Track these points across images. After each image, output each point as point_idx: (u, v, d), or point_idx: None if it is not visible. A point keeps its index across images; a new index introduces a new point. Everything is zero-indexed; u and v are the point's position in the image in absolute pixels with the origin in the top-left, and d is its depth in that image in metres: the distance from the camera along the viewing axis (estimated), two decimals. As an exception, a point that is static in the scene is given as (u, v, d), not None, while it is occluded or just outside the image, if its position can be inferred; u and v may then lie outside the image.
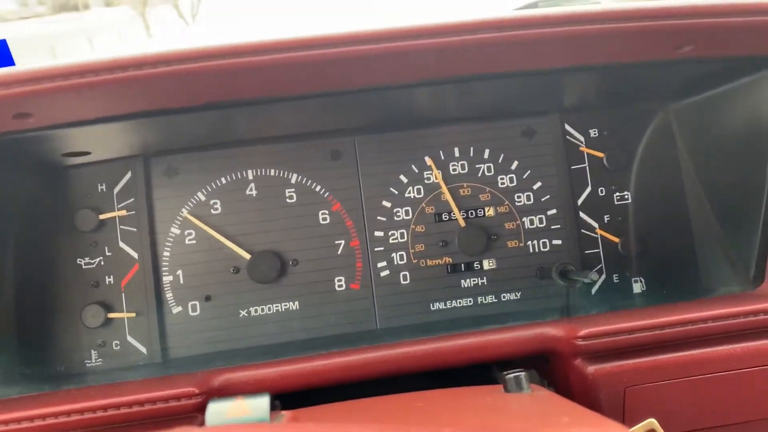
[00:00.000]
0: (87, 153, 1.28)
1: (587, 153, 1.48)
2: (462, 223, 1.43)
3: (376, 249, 1.44)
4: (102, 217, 1.37)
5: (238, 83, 1.04)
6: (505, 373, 0.94)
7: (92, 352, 1.36)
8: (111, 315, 1.36)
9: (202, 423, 1.11)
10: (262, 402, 0.69)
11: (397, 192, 1.46)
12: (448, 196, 1.44)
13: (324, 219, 1.44)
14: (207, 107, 1.11)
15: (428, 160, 1.46)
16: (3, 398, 1.15)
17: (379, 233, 1.45)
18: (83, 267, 1.38)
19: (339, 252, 1.44)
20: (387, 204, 1.45)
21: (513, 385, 0.94)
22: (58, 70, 0.88)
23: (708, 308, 1.16)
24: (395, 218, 1.45)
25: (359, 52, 1.02)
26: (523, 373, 0.94)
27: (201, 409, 1.10)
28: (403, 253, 1.45)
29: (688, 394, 1.15)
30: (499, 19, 1.03)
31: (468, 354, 1.19)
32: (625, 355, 1.17)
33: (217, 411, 0.69)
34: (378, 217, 1.45)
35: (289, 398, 1.03)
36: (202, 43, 0.95)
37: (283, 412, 0.77)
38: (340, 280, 1.43)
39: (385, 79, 1.15)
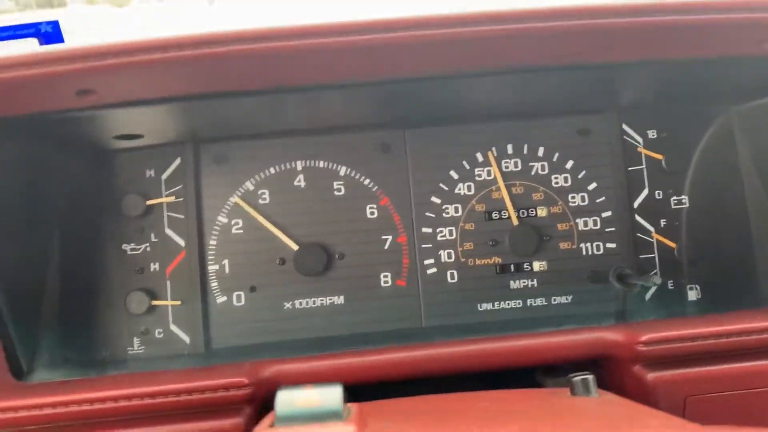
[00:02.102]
0: (140, 136, 1.26)
1: (645, 154, 1.44)
2: (515, 222, 1.40)
3: (423, 246, 1.41)
4: (149, 202, 1.36)
5: (296, 67, 1.01)
6: (572, 375, 0.91)
7: (135, 339, 1.34)
8: (155, 302, 1.35)
9: (249, 415, 1.09)
10: (335, 393, 0.66)
11: (446, 188, 1.42)
12: (504, 193, 1.40)
13: (372, 213, 1.41)
14: (262, 92, 1.08)
15: (489, 155, 1.42)
16: (48, 381, 1.13)
17: (427, 230, 1.41)
18: (128, 253, 1.36)
19: (386, 247, 1.41)
20: (436, 200, 1.42)
21: (580, 388, 0.90)
22: (125, 47, 0.86)
23: (771, 318, 1.12)
24: (444, 215, 1.42)
25: (419, 37, 0.98)
26: (591, 376, 0.90)
27: (249, 400, 1.08)
28: (451, 251, 1.41)
29: (753, 406, 1.11)
30: (570, 7, 0.99)
31: (521, 356, 1.16)
32: (686, 363, 1.13)
33: (286, 400, 0.66)
34: (426, 213, 1.42)
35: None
36: (266, 24, 0.92)
37: (350, 405, 0.74)
38: (386, 276, 1.40)
39: (442, 68, 1.12)
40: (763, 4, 0.91)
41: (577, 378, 0.90)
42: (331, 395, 0.66)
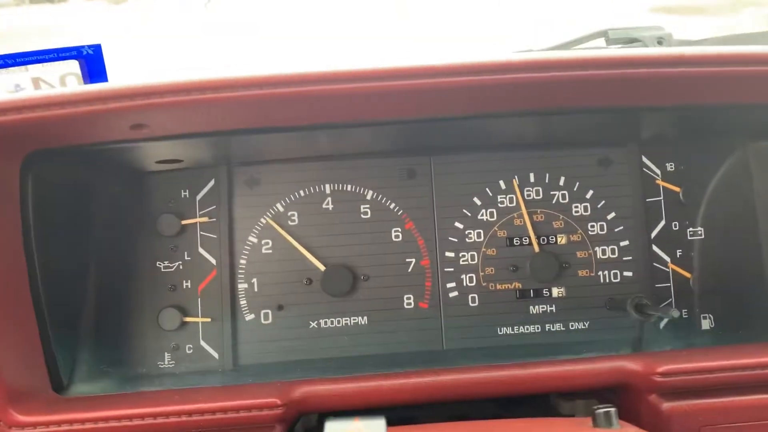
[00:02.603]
0: (180, 161, 1.31)
1: (663, 186, 1.48)
2: (536, 249, 1.44)
3: (446, 269, 1.45)
4: (184, 222, 1.40)
5: (331, 108, 1.06)
6: (595, 408, 0.95)
7: (165, 354, 1.39)
8: (187, 319, 1.39)
9: (280, 434, 1.14)
10: (380, 426, 0.71)
11: (470, 214, 1.47)
12: (526, 219, 1.45)
13: (396, 237, 1.46)
14: (299, 128, 1.14)
15: (513, 183, 1.46)
16: (87, 395, 1.18)
17: (450, 254, 1.46)
18: (162, 270, 1.41)
19: (409, 270, 1.45)
20: (459, 225, 1.46)
21: (602, 420, 0.94)
22: (180, 86, 0.91)
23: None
24: (467, 240, 1.46)
25: (443, 84, 1.02)
26: (613, 409, 0.94)
27: (281, 420, 1.12)
28: (473, 275, 1.46)
29: (765, 438, 1.15)
30: (592, 57, 1.04)
31: (541, 383, 1.20)
32: (701, 394, 1.17)
33: (334, 431, 0.71)
34: (450, 238, 1.46)
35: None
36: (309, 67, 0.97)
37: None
38: (409, 298, 1.45)
39: (464, 110, 1.17)
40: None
41: (600, 411, 0.94)
42: (377, 428, 0.71)
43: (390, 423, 0.78)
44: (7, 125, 0.95)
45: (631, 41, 1.63)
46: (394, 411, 1.12)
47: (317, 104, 0.98)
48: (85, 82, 1.40)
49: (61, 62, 1.42)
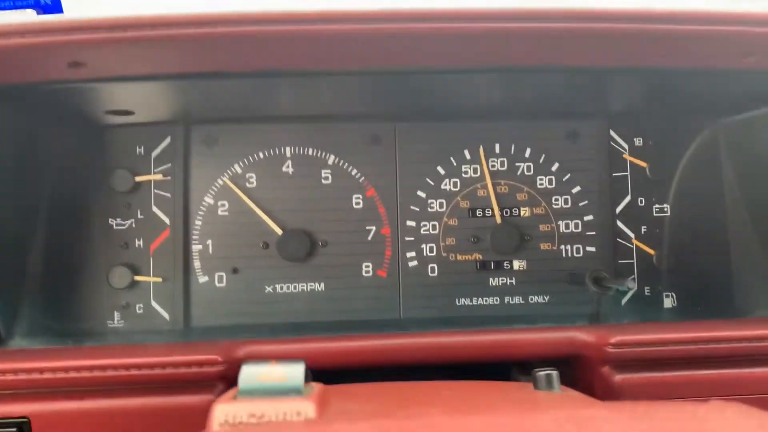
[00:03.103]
0: (130, 113, 1.27)
1: (630, 161, 1.46)
2: (498, 220, 1.42)
3: (406, 238, 1.43)
4: (138, 179, 1.37)
5: (289, 52, 1.03)
6: (536, 370, 0.92)
7: (115, 313, 1.36)
8: (137, 278, 1.36)
9: (221, 391, 1.11)
10: (297, 369, 0.68)
11: (433, 183, 1.44)
12: (490, 190, 1.42)
13: (357, 203, 1.43)
14: (253, 74, 1.10)
15: (480, 152, 1.44)
16: (27, 348, 1.15)
17: (411, 223, 1.43)
18: (114, 227, 1.38)
19: (369, 238, 1.42)
20: (422, 194, 1.44)
21: (543, 383, 0.92)
22: (118, 22, 0.87)
23: (743, 328, 1.14)
24: (429, 209, 1.44)
25: (409, 30, 0.98)
26: (555, 372, 0.92)
27: (223, 377, 1.09)
28: (434, 245, 1.43)
29: (715, 412, 1.13)
30: (558, 9, 1.00)
31: (495, 350, 1.18)
32: (654, 367, 1.15)
33: (250, 374, 0.68)
34: (411, 207, 1.44)
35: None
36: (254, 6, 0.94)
37: (314, 384, 0.76)
38: (367, 266, 1.42)
39: (431, 61, 1.13)
40: (746, 17, 0.93)
41: (541, 373, 0.92)
42: (294, 372, 0.68)
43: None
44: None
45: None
46: (346, 380, 1.10)
47: (265, 48, 0.95)
48: (42, 33, 1.36)
49: (17, 11, 1.38)
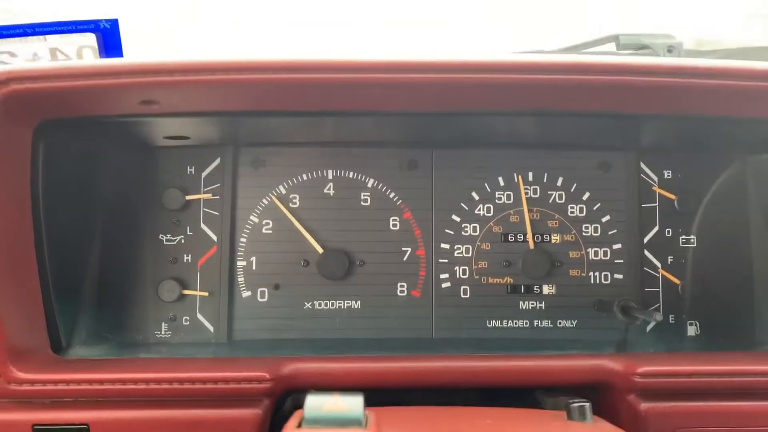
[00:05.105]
0: (187, 138, 1.34)
1: (659, 193, 1.51)
2: (531, 245, 1.47)
3: (440, 260, 1.49)
4: (188, 197, 1.44)
5: (339, 96, 1.10)
6: (570, 401, 0.98)
7: (162, 324, 1.43)
8: (185, 291, 1.43)
9: (267, 407, 1.17)
10: (357, 402, 0.74)
11: (467, 208, 1.50)
12: (526, 216, 1.48)
13: (394, 225, 1.49)
14: (302, 114, 1.17)
15: (519, 179, 1.49)
16: (84, 358, 1.23)
17: (445, 245, 1.49)
18: (164, 243, 1.45)
19: (405, 259, 1.48)
20: (456, 218, 1.50)
21: (576, 413, 0.98)
22: (191, 66, 0.94)
23: (765, 362, 1.19)
24: (463, 233, 1.50)
25: (449, 80, 1.05)
26: (588, 404, 0.98)
27: (268, 394, 1.16)
28: (467, 267, 1.49)
29: (737, 443, 1.18)
30: (599, 62, 1.07)
31: (525, 376, 1.23)
32: (679, 396, 1.19)
33: (315, 404, 0.74)
34: (446, 230, 1.49)
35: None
36: (316, 55, 1.01)
37: (367, 411, 0.82)
38: (402, 286, 1.48)
39: (468, 107, 1.20)
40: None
41: (575, 404, 0.98)
42: (354, 404, 0.75)
43: (373, 406, 0.82)
44: (23, 93, 0.99)
45: (641, 48, 1.65)
46: (380, 395, 1.16)
47: (320, 92, 1.02)
48: (101, 56, 1.44)
49: (78, 34, 1.45)
